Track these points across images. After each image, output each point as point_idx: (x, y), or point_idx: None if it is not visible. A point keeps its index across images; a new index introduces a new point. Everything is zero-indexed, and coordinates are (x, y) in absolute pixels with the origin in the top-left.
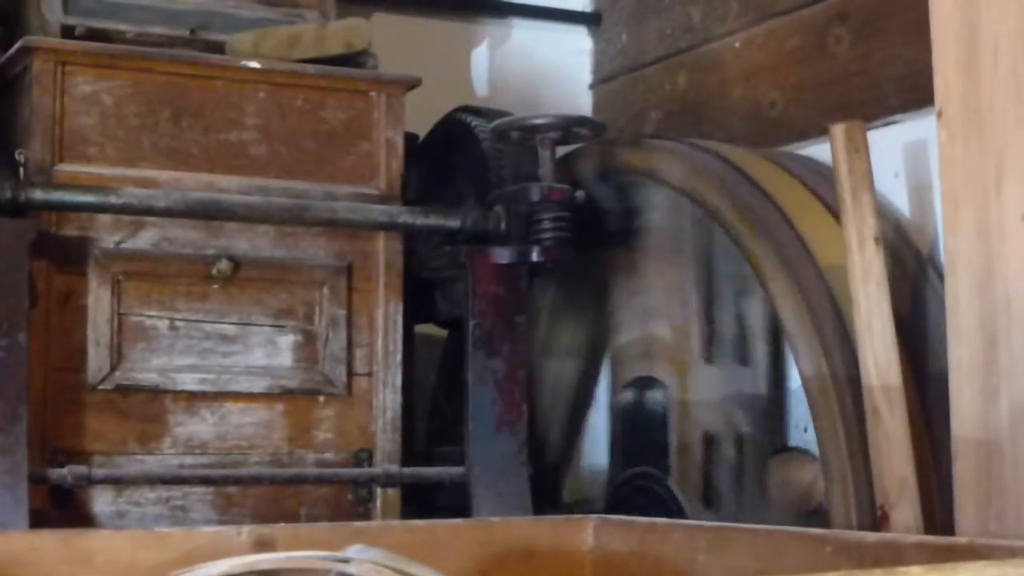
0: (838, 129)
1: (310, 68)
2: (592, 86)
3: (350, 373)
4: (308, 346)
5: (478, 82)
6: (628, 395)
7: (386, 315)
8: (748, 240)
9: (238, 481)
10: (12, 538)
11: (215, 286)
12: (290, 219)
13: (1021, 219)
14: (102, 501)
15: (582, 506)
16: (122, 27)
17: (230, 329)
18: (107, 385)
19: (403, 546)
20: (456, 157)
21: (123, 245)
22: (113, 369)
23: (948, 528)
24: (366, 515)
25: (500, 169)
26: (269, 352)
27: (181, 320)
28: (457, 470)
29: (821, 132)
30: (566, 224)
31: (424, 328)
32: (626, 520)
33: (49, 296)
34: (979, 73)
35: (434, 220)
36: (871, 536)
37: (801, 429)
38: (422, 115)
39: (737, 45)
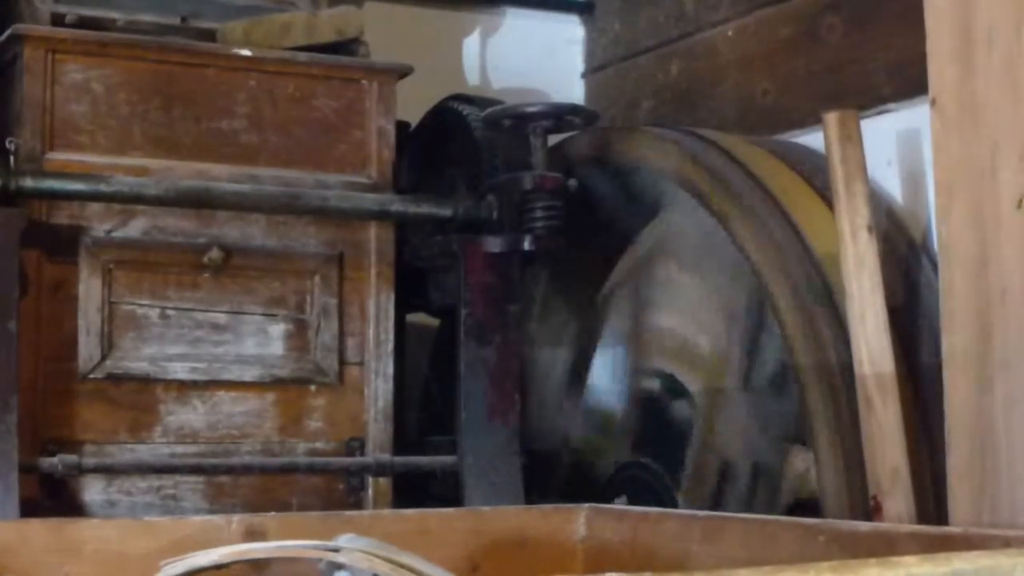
0: (831, 118)
1: (301, 56)
2: (584, 75)
3: (341, 362)
4: (299, 335)
5: (470, 71)
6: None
7: (378, 304)
8: (740, 228)
9: (229, 470)
10: (2, 527)
11: (206, 275)
12: (281, 208)
13: (1015, 207)
14: (93, 490)
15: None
16: (113, 15)
17: (221, 318)
18: (98, 374)
19: (394, 535)
20: (448, 146)
21: (114, 234)
22: (104, 358)
23: (941, 518)
24: (358, 504)
25: (492, 158)
26: (260, 341)
27: (172, 309)
28: (449, 459)
29: (814, 121)
30: (558, 212)
31: (416, 317)
32: (618, 509)
33: (40, 285)
34: (973, 61)
35: (426, 209)
36: (864, 526)
37: None
38: (414, 104)
39: (730, 34)
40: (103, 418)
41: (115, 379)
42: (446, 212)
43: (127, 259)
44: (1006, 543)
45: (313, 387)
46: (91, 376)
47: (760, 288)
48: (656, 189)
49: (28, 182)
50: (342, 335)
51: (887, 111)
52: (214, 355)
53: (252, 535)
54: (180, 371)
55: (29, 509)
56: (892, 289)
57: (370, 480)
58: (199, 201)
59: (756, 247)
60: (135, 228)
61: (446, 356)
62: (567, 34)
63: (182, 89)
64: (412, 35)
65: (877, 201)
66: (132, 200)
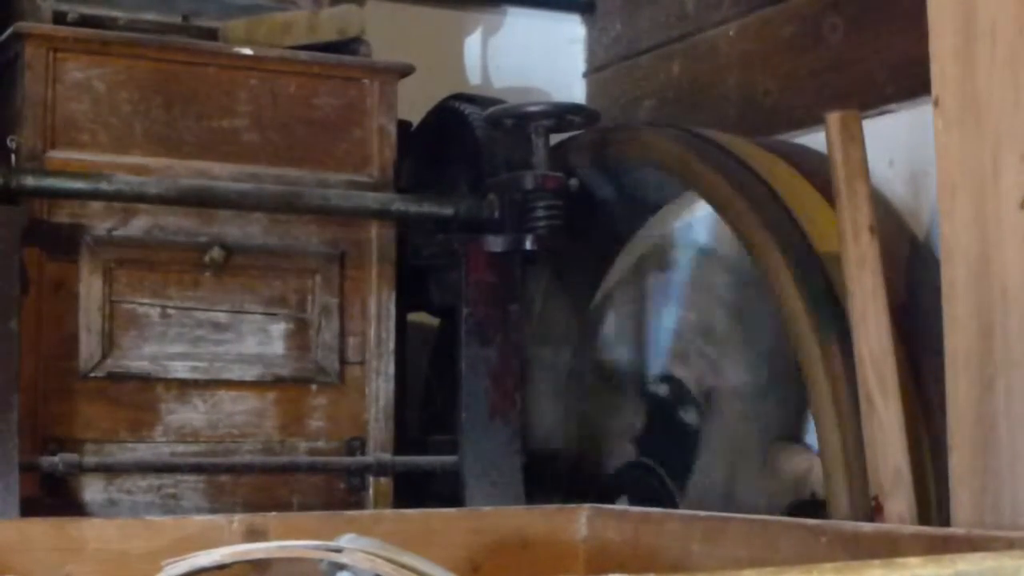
0: (834, 118)
1: (303, 55)
2: (586, 74)
3: (342, 361)
4: (300, 334)
5: (471, 70)
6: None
7: (379, 303)
8: (747, 227)
9: (230, 469)
10: (3, 526)
11: (207, 274)
12: (282, 206)
13: (1018, 207)
14: (93, 489)
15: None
16: (114, 13)
17: (222, 317)
18: (99, 373)
19: (396, 535)
20: (449, 145)
21: (115, 232)
22: (105, 357)
23: (943, 519)
24: (358, 504)
25: (493, 157)
26: (261, 340)
27: (173, 308)
28: (450, 459)
29: (815, 121)
30: (560, 212)
31: (417, 316)
32: (620, 510)
33: (41, 283)
34: (976, 60)
35: (427, 208)
36: (867, 527)
37: None
38: (415, 103)
39: (731, 33)
40: (104, 417)
41: (116, 378)
42: (447, 211)
43: (128, 258)
44: (1010, 544)
45: (314, 386)
46: (92, 375)
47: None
48: (657, 188)
49: (29, 180)
50: (343, 334)
51: (889, 111)
52: (215, 354)
53: (253, 535)
54: (181, 370)
55: (29, 508)
56: (894, 289)
57: (371, 479)
58: (200, 200)
59: (761, 245)
60: (136, 227)
61: (447, 355)
62: (568, 33)
63: (183, 88)
64: (414, 34)
65: (879, 201)
66: (133, 199)
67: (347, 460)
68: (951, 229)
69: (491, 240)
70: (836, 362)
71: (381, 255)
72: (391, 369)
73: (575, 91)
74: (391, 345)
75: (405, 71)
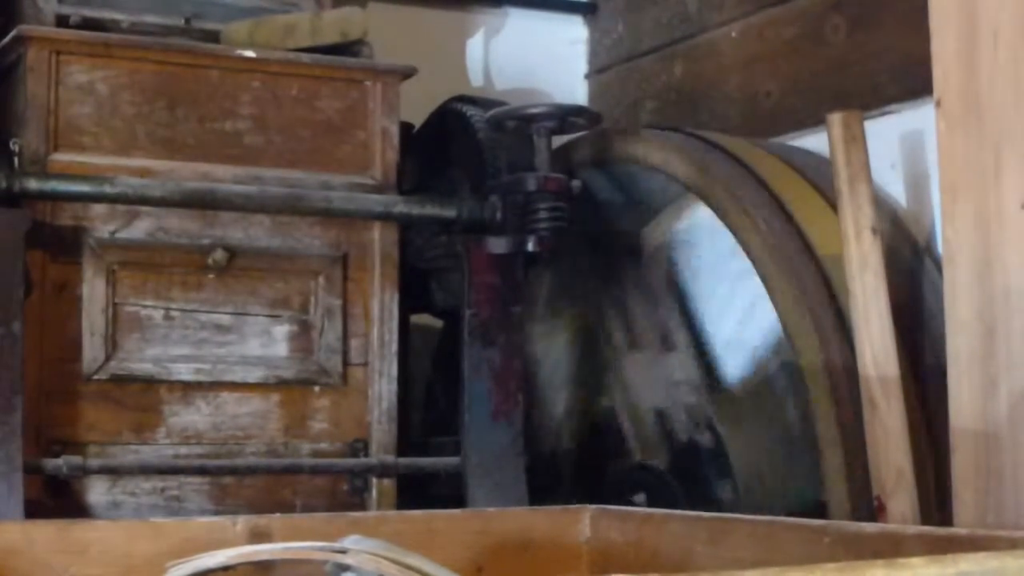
0: (835, 119)
1: (305, 57)
2: (588, 76)
3: (345, 363)
4: (303, 336)
5: (473, 71)
6: None
7: (381, 305)
8: (745, 230)
9: (233, 471)
10: (7, 528)
11: (210, 276)
12: (285, 208)
13: (1020, 209)
14: (97, 491)
15: None
16: (117, 16)
17: (225, 319)
18: (102, 375)
19: (399, 536)
20: (452, 147)
21: (118, 235)
22: (108, 359)
23: (945, 519)
24: (361, 505)
25: (496, 159)
26: (264, 342)
27: (176, 310)
28: (453, 460)
29: (817, 122)
30: (562, 214)
31: (419, 318)
32: (623, 510)
33: (44, 286)
34: (978, 62)
35: (430, 210)
36: (870, 527)
37: None
38: (418, 104)
39: (733, 35)
40: (107, 419)
41: (119, 380)
42: (450, 213)
43: (131, 260)
44: (1013, 544)
45: (317, 388)
46: (95, 377)
47: (765, 290)
48: (658, 191)
49: (32, 183)
50: (346, 336)
51: (891, 112)
52: (218, 356)
53: (257, 536)
54: (184, 372)
55: (33, 510)
56: (896, 290)
57: (374, 481)
58: (204, 202)
59: (759, 248)
60: (139, 229)
61: (450, 357)
62: (570, 35)
63: (186, 90)
64: (416, 36)
65: (881, 203)
66: (136, 201)
67: (350, 462)
68: (953, 230)
69: (493, 242)
70: (836, 364)
71: (384, 257)
72: (394, 371)
73: (577, 92)
74: (394, 347)
75: (407, 73)
